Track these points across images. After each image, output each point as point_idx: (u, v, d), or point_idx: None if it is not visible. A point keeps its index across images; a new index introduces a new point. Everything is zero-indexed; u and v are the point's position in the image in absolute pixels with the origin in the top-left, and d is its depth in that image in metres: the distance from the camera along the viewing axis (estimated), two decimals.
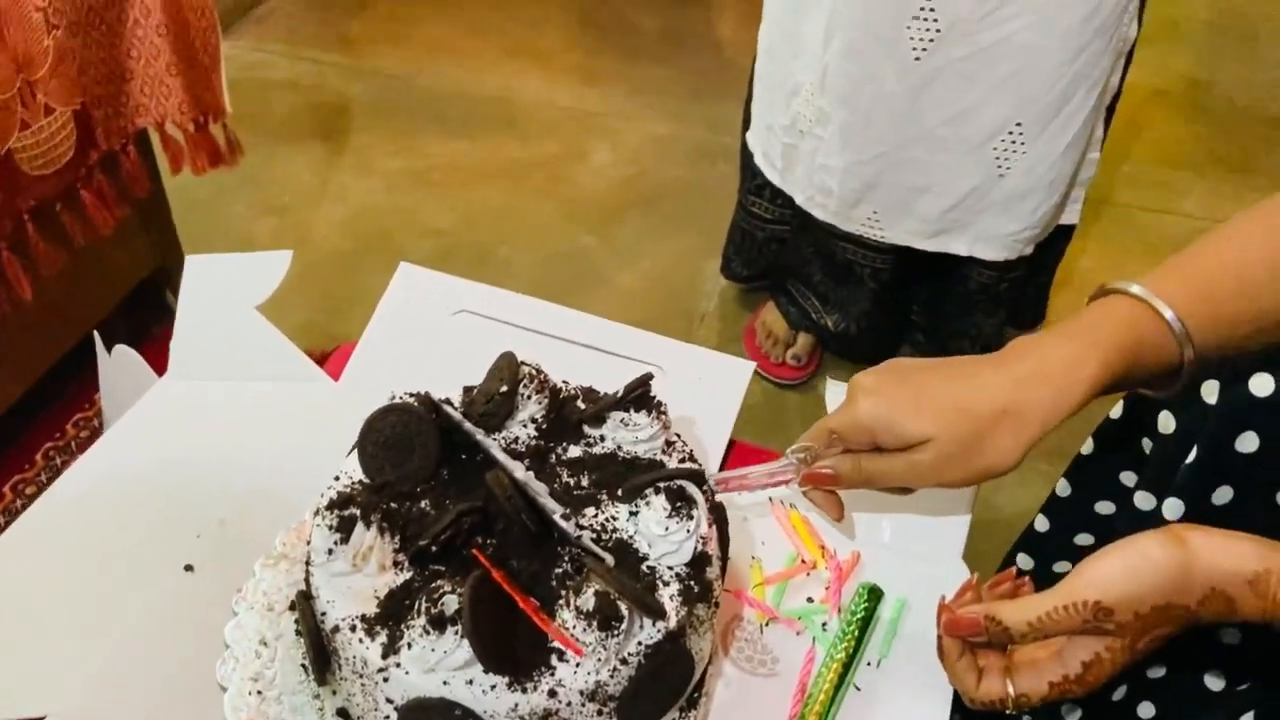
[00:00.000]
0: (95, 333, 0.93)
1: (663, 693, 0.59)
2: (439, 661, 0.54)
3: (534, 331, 0.88)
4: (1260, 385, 0.70)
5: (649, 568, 0.60)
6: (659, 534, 0.60)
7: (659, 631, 0.57)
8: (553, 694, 0.54)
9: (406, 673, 0.55)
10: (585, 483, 0.65)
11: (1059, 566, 0.92)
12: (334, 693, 0.61)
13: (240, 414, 0.85)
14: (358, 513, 0.59)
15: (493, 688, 0.54)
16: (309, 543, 0.61)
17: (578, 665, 0.55)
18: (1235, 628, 0.71)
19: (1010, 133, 1.38)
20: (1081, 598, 0.53)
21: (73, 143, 1.26)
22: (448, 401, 0.66)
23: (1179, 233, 2.07)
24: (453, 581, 0.56)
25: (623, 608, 0.56)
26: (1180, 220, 2.11)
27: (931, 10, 1.29)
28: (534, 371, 0.68)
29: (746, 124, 1.68)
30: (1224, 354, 0.66)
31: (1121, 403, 0.84)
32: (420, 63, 2.45)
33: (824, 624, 0.72)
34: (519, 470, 0.61)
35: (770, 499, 0.80)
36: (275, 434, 0.83)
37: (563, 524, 0.59)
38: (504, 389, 0.66)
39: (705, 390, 0.85)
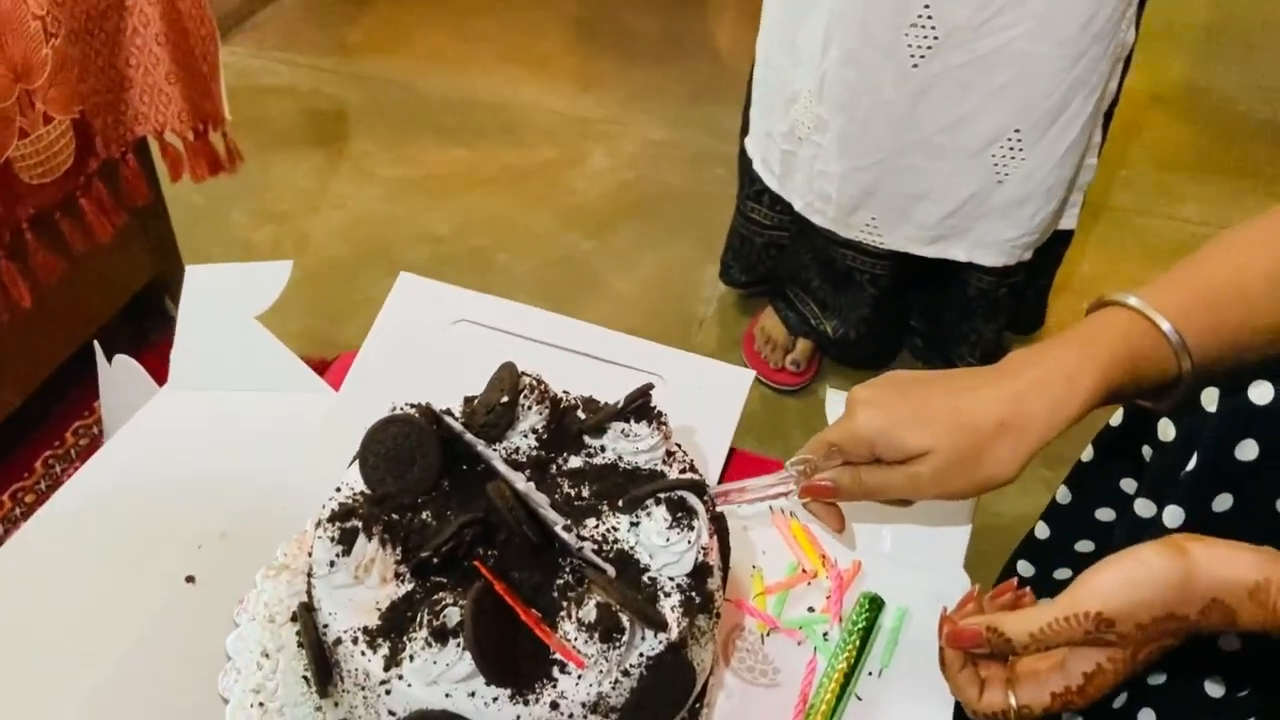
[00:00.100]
0: (95, 342, 0.93)
1: (664, 704, 0.59)
2: (441, 674, 0.54)
3: (534, 341, 0.88)
4: (1260, 393, 0.70)
5: (650, 578, 0.60)
6: (660, 545, 0.60)
7: (660, 643, 0.57)
8: (555, 706, 0.54)
9: (409, 685, 0.55)
10: (586, 493, 0.65)
11: (1060, 573, 0.92)
12: (336, 705, 0.61)
13: (241, 424, 0.85)
14: (359, 525, 0.59)
15: (495, 700, 0.54)
16: (310, 554, 0.61)
17: (579, 677, 0.55)
18: (1235, 635, 0.71)
19: (1009, 139, 1.38)
20: (1083, 609, 0.53)
21: (72, 151, 1.26)
22: (448, 412, 0.66)
23: (1177, 237, 2.08)
24: (454, 593, 0.56)
25: (624, 619, 0.56)
26: (1178, 225, 2.11)
27: (929, 18, 1.30)
28: (534, 382, 0.68)
29: (745, 130, 1.68)
30: (1222, 366, 0.66)
31: (1122, 410, 0.84)
32: (418, 69, 2.45)
33: (825, 634, 0.72)
34: (520, 481, 0.61)
35: (771, 508, 0.80)
36: (276, 444, 0.83)
37: (564, 535, 0.59)
38: (505, 399, 0.66)
39: (705, 399, 0.85)
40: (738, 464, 0.84)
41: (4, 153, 1.16)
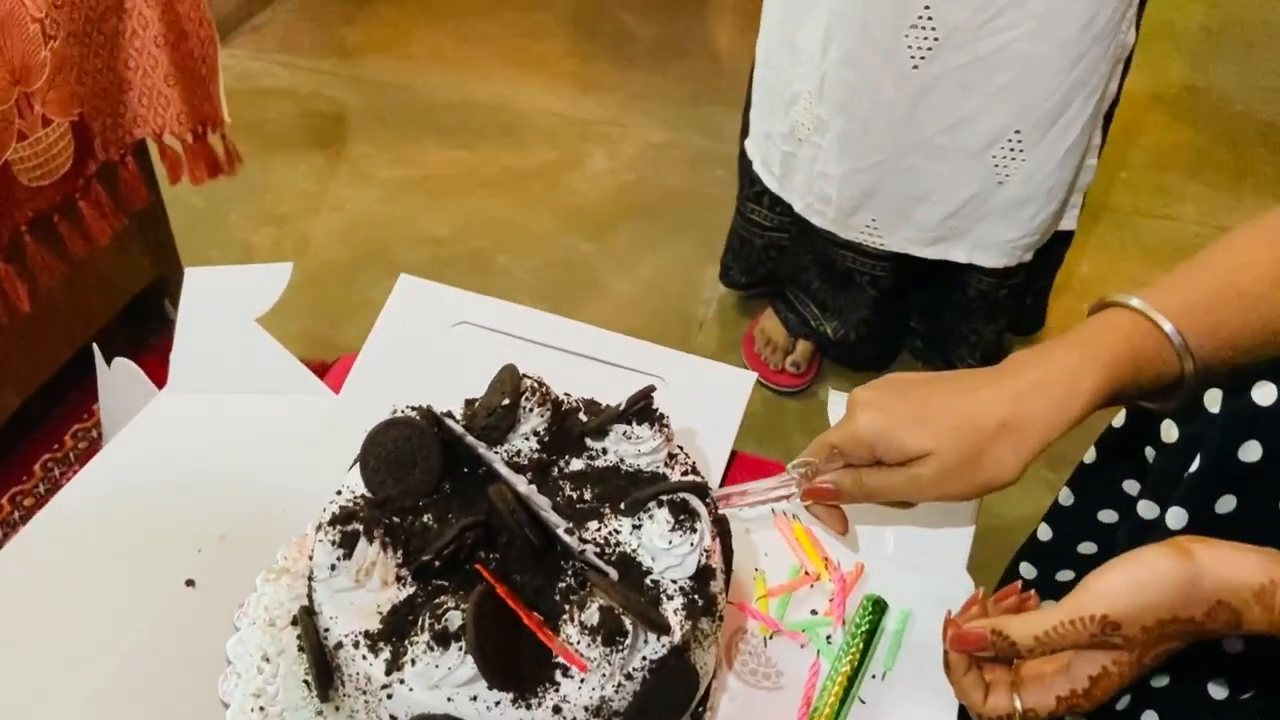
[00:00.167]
0: (95, 345, 0.93)
1: (667, 708, 0.59)
2: (443, 678, 0.54)
3: (534, 343, 0.88)
4: (1263, 394, 0.70)
5: (653, 581, 0.60)
6: (662, 547, 0.60)
7: (663, 646, 0.57)
8: (557, 710, 0.54)
9: (410, 689, 0.54)
10: (588, 496, 0.64)
11: (1062, 575, 0.92)
12: (337, 709, 0.60)
13: (240, 427, 0.85)
14: (360, 528, 0.58)
15: (497, 704, 0.54)
16: (311, 557, 0.60)
17: (582, 681, 0.55)
18: (1238, 637, 0.71)
19: (1009, 140, 1.38)
20: (1088, 612, 0.53)
21: (70, 154, 1.26)
22: (449, 415, 0.66)
23: (1177, 238, 2.08)
24: (456, 597, 0.56)
25: (627, 622, 0.55)
26: (1178, 225, 2.11)
27: (929, 19, 1.30)
28: (536, 384, 0.68)
29: (744, 131, 1.68)
30: (1224, 367, 0.66)
31: (1124, 411, 0.84)
32: (417, 71, 2.45)
33: (828, 636, 0.72)
34: (522, 484, 0.60)
35: (773, 510, 0.79)
36: (276, 447, 0.83)
37: (566, 538, 0.59)
38: (506, 402, 0.66)
39: (706, 401, 0.85)
40: (739, 466, 0.84)
41: (2, 155, 1.16)
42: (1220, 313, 0.64)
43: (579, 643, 0.55)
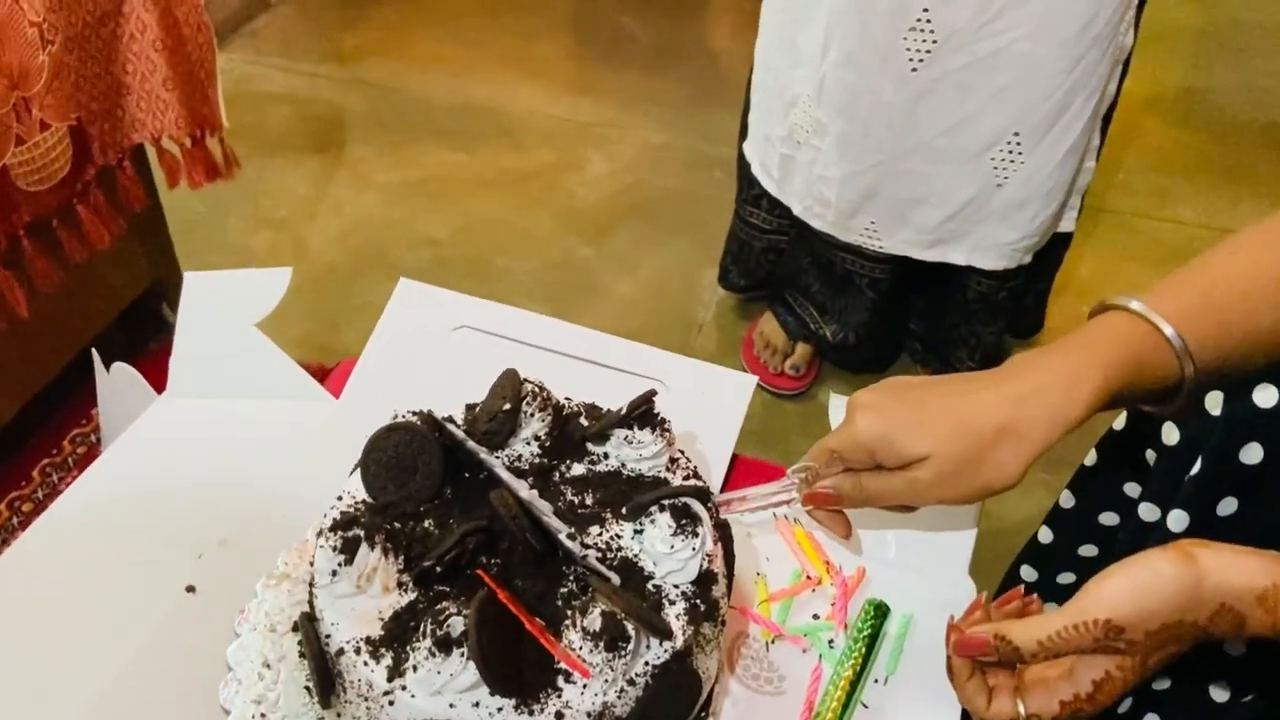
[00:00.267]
0: (94, 350, 0.92)
1: (670, 713, 0.59)
2: (445, 684, 0.54)
3: (534, 346, 0.88)
4: (1265, 396, 0.69)
5: (655, 586, 0.60)
6: (664, 552, 0.60)
7: (666, 651, 0.57)
8: (559, 716, 0.54)
9: (412, 696, 0.54)
10: (590, 501, 0.64)
11: (1063, 578, 0.92)
12: (339, 715, 0.60)
13: (240, 432, 0.85)
14: (361, 534, 0.58)
15: (499, 710, 0.54)
16: (312, 563, 0.60)
17: (584, 687, 0.55)
18: (1240, 640, 0.71)
19: (1008, 142, 1.38)
20: (1092, 616, 0.53)
21: (69, 158, 1.26)
22: (450, 420, 0.66)
23: (1175, 240, 2.08)
24: (458, 603, 0.56)
25: (629, 628, 0.55)
26: (1176, 227, 2.12)
27: (928, 21, 1.29)
28: (536, 389, 0.68)
29: (743, 134, 1.68)
30: (1224, 371, 0.66)
31: (1125, 414, 0.84)
32: (415, 74, 2.45)
33: (830, 641, 0.72)
34: (523, 489, 0.60)
35: (774, 514, 0.79)
36: (276, 452, 0.82)
37: (568, 543, 0.59)
38: (507, 406, 0.66)
39: (707, 405, 0.85)
40: (741, 470, 0.84)
41: (1, 160, 1.15)
42: (1221, 316, 0.64)
43: (581, 648, 0.55)
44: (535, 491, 0.61)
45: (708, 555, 0.61)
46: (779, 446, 1.63)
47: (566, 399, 0.70)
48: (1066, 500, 0.90)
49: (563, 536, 0.59)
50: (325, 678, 0.58)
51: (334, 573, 0.58)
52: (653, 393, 0.67)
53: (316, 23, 2.63)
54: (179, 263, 1.61)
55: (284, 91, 2.39)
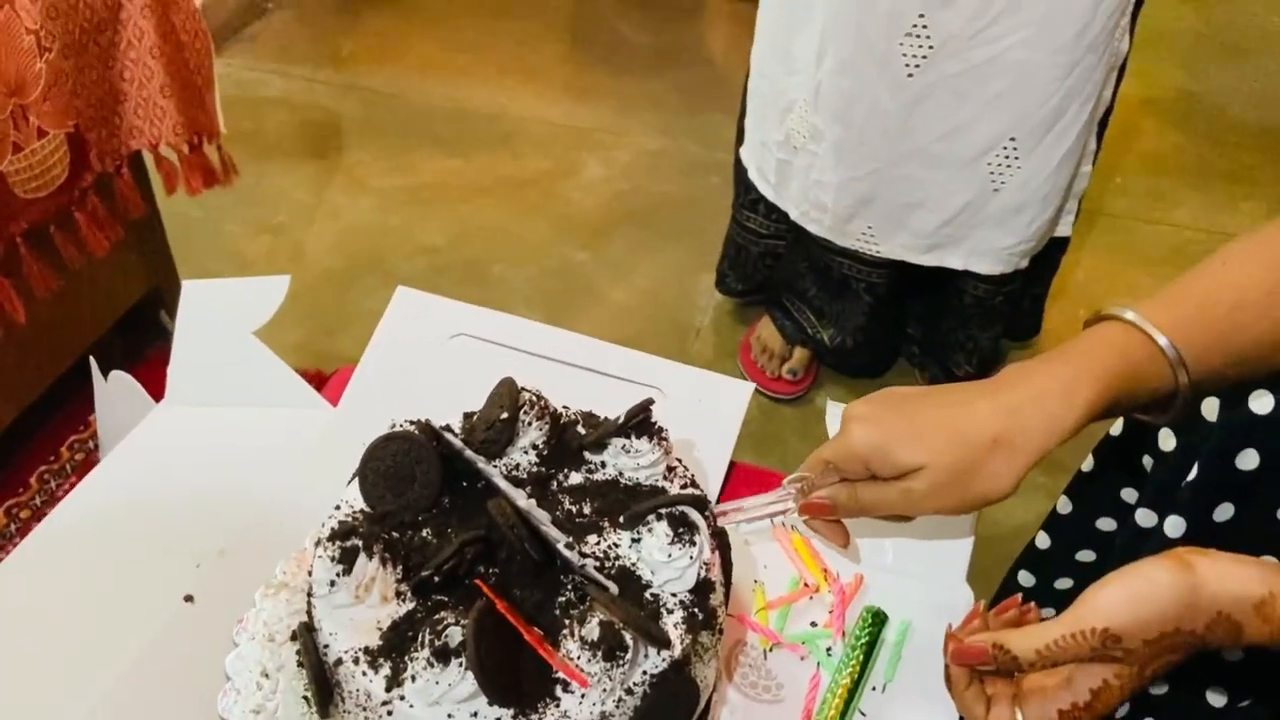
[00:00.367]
0: (91, 357, 0.92)
1: None
2: (443, 694, 0.54)
3: (531, 354, 0.88)
4: (1260, 403, 0.70)
5: (652, 595, 0.60)
6: (662, 560, 0.60)
7: (664, 660, 0.57)
8: None
9: (411, 706, 0.54)
10: (587, 510, 0.64)
11: (1061, 583, 0.92)
12: None
13: (238, 441, 0.85)
14: (359, 543, 0.58)
15: None
16: (310, 573, 0.60)
17: (583, 696, 0.55)
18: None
19: (1004, 148, 1.38)
20: (1089, 625, 0.53)
21: (66, 165, 1.26)
22: (448, 428, 0.66)
23: (1172, 243, 2.08)
24: (456, 612, 0.55)
25: (627, 637, 0.55)
26: (1173, 230, 2.12)
27: (924, 27, 1.30)
28: (534, 397, 0.68)
29: (740, 139, 1.68)
30: (1220, 381, 0.66)
31: (1122, 420, 0.84)
32: (412, 80, 2.45)
33: (828, 649, 0.72)
34: (521, 498, 0.60)
35: (772, 522, 0.79)
36: (274, 460, 0.82)
37: (566, 553, 0.59)
38: (504, 415, 0.66)
39: (705, 412, 0.85)
40: (738, 477, 0.84)
41: None
42: (1213, 327, 0.64)
43: (579, 658, 0.55)
44: (533, 500, 0.61)
45: (705, 564, 0.61)
46: (776, 451, 1.63)
47: (564, 407, 0.70)
48: (1064, 505, 0.90)
49: (561, 546, 0.59)
50: (324, 688, 0.58)
51: (332, 583, 0.58)
52: (650, 402, 0.67)
53: (313, 28, 2.64)
54: (177, 269, 1.61)
55: (281, 97, 2.39)
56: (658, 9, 2.75)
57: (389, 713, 0.55)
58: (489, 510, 0.59)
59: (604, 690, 0.55)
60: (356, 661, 0.56)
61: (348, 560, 0.58)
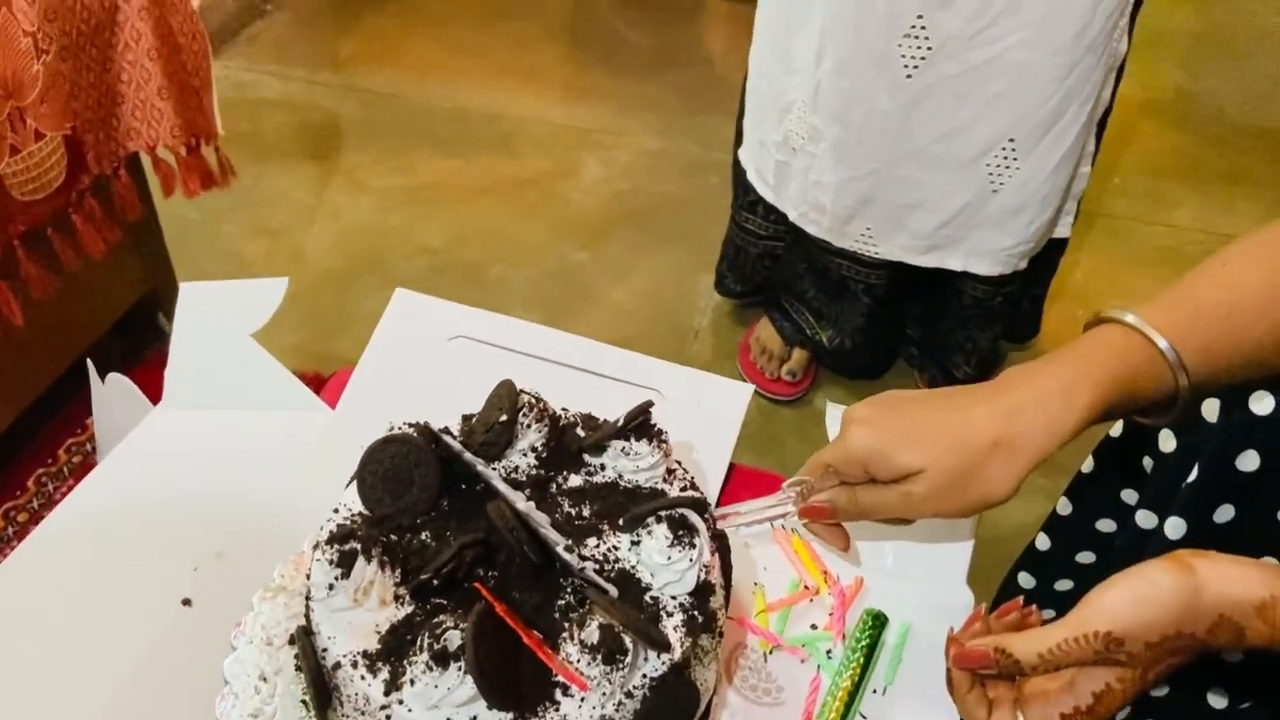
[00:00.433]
0: (89, 360, 0.92)
1: None
2: (442, 698, 0.53)
3: (530, 356, 0.88)
4: (1261, 404, 0.70)
5: (652, 598, 0.59)
6: (661, 563, 0.60)
7: (664, 663, 0.56)
8: None
9: (409, 710, 0.54)
10: (587, 513, 0.64)
11: (1061, 585, 0.92)
12: None
13: (236, 443, 0.84)
14: (358, 547, 0.58)
15: None
16: (308, 576, 0.60)
17: (582, 700, 0.54)
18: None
19: (1003, 149, 1.38)
20: (1092, 628, 0.53)
21: (64, 167, 1.25)
22: (447, 431, 0.65)
23: (1171, 244, 2.08)
24: (455, 616, 0.55)
25: (627, 640, 0.55)
26: (1172, 231, 2.12)
27: (923, 28, 1.30)
28: (533, 400, 0.68)
29: (738, 140, 1.68)
30: (1219, 383, 0.66)
31: (1122, 421, 0.84)
32: (411, 81, 2.45)
33: (828, 651, 0.71)
34: (520, 501, 0.60)
35: (772, 524, 0.79)
36: (272, 463, 0.82)
37: (565, 555, 0.59)
38: (503, 418, 0.66)
39: (704, 414, 0.85)
40: (738, 479, 0.84)
41: None
42: (1211, 329, 0.64)
43: (579, 661, 0.55)
44: (532, 503, 0.61)
45: (705, 566, 0.60)
46: (775, 452, 1.63)
47: (563, 409, 0.70)
48: (1064, 507, 0.90)
49: (560, 548, 0.59)
50: (322, 691, 0.58)
51: (330, 586, 0.58)
52: (649, 404, 0.67)
53: (312, 29, 2.63)
54: (174, 271, 1.61)
55: (279, 98, 2.39)
56: (657, 10, 2.75)
57: (388, 717, 0.54)
58: (488, 513, 0.59)
59: (604, 694, 0.54)
60: (355, 665, 0.56)
61: (346, 563, 0.58)
